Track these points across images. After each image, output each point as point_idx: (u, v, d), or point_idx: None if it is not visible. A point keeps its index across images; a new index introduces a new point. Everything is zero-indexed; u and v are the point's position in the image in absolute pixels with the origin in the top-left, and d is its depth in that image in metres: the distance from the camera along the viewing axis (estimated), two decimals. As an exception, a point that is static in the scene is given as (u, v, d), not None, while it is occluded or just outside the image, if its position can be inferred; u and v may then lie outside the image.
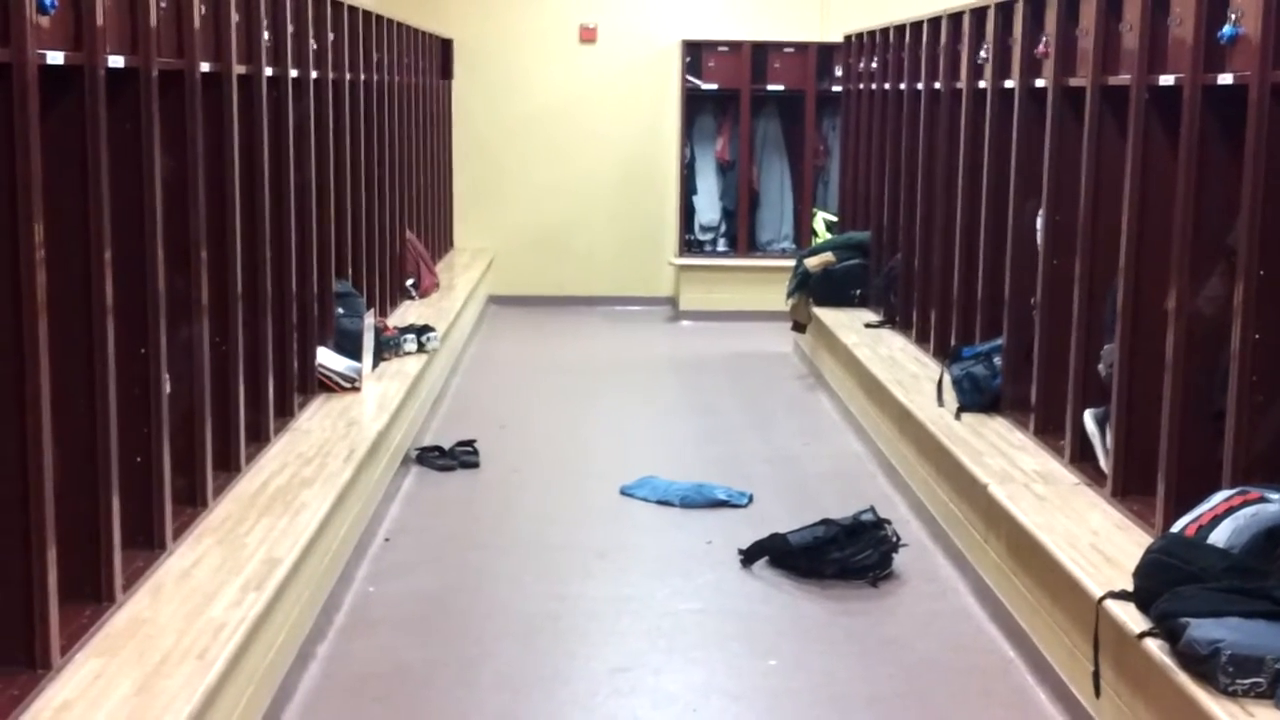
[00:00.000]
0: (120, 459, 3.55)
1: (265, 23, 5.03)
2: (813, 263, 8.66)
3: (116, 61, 3.56)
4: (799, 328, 8.79)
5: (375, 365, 6.43)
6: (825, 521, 5.04)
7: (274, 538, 4.06)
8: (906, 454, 5.95)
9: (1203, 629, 3.11)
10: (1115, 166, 4.58)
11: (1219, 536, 3.46)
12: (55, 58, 3.18)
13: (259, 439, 4.94)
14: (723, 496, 5.84)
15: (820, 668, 4.22)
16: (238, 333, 4.65)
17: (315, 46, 5.92)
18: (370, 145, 7.36)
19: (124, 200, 3.65)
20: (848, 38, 9.46)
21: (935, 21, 7.03)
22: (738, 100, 10.79)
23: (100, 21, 3.38)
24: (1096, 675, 3.58)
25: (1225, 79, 3.84)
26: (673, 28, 10.98)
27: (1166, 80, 4.20)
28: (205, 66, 4.32)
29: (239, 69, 4.68)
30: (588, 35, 11.11)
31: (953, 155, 6.71)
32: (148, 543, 3.81)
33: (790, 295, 8.76)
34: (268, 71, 5.07)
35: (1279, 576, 3.29)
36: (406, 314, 7.86)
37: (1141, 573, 3.51)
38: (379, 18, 7.71)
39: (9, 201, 2.98)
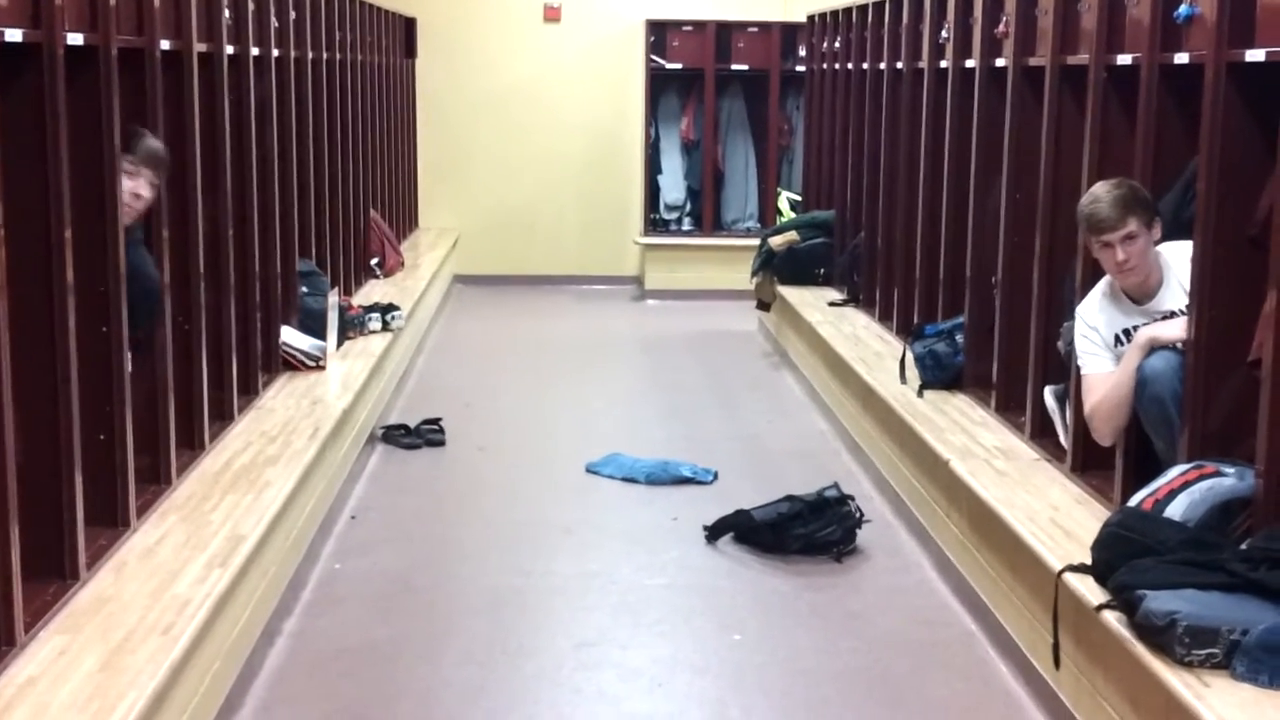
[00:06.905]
0: (83, 437, 3.54)
1: (226, 0, 5.00)
2: (777, 241, 8.69)
3: (76, 39, 3.54)
4: (763, 306, 8.82)
5: (340, 344, 6.42)
6: (789, 498, 5.07)
7: (238, 515, 4.06)
8: (870, 430, 5.99)
9: (1159, 601, 3.15)
10: (1074, 145, 4.61)
11: (1175, 510, 3.50)
12: (13, 35, 3.16)
13: (223, 417, 4.93)
14: (688, 473, 5.86)
15: (785, 642, 4.25)
16: (200, 311, 4.63)
17: (277, 25, 5.89)
18: (333, 124, 7.33)
19: (84, 179, 3.63)
20: (811, 17, 9.48)
21: (897, 1, 7.05)
22: (702, 80, 10.79)
23: (59, -1, 3.36)
24: (1056, 647, 3.62)
25: (1181, 58, 3.88)
26: (637, 7, 10.96)
27: (1124, 60, 4.24)
28: (165, 44, 4.29)
29: (199, 47, 4.65)
30: (552, 14, 11.08)
31: (915, 135, 6.74)
32: (111, 520, 3.80)
33: (755, 274, 8.79)
34: (229, 50, 5.04)
35: (1234, 549, 3.34)
36: (371, 293, 7.85)
37: (1099, 546, 3.55)
38: (341, -5, 7.67)
39: (-31, 179, 2.97)
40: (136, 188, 4.09)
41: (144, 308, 4.15)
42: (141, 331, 4.16)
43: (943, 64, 6.24)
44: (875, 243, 7.50)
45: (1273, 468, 3.32)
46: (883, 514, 5.38)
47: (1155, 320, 4.05)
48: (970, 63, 5.79)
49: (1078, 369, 4.27)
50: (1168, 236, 4.07)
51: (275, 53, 5.85)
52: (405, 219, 10.40)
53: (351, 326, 6.69)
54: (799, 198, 10.07)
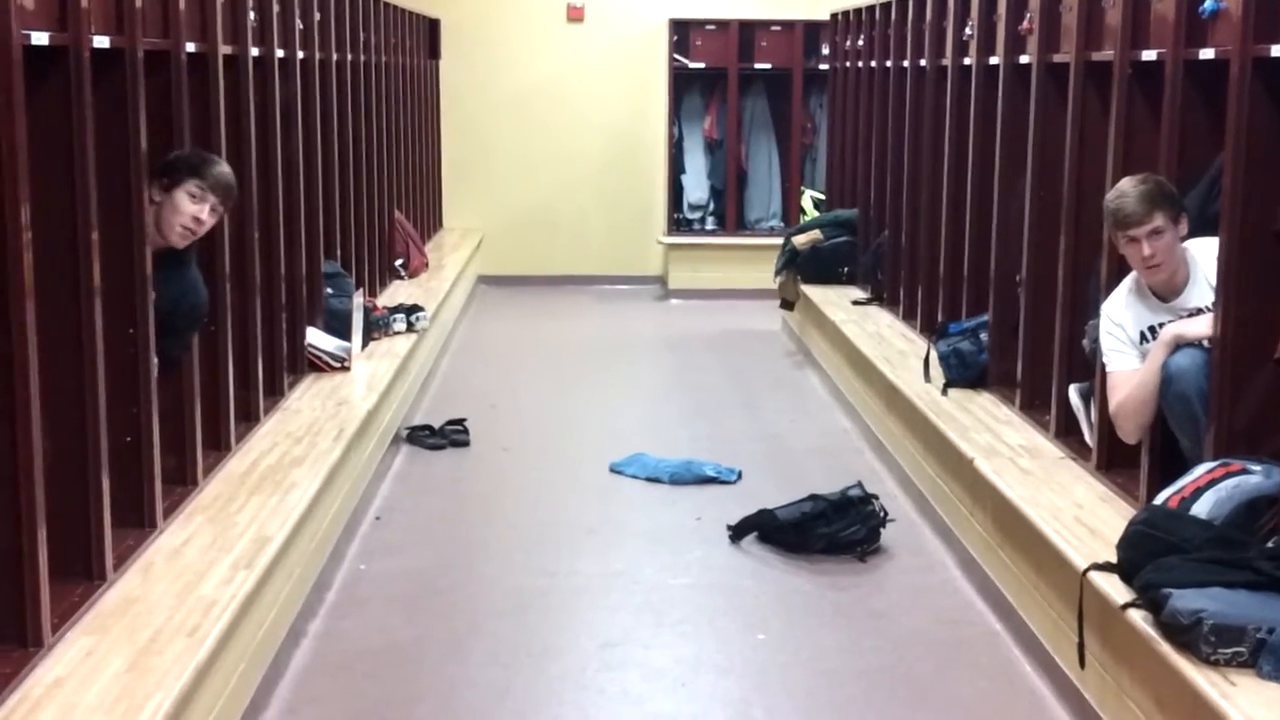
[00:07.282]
0: (110, 439, 3.56)
1: (251, 2, 5.02)
2: (800, 240, 8.67)
3: (102, 42, 3.56)
4: (787, 305, 8.82)
5: (365, 345, 6.44)
6: (813, 497, 5.06)
7: (264, 516, 4.08)
8: (893, 429, 5.98)
9: (1185, 599, 3.14)
10: (1099, 141, 4.60)
11: (1201, 508, 3.49)
12: (40, 38, 3.17)
13: (249, 418, 4.95)
14: (711, 473, 5.86)
15: (808, 642, 4.25)
16: (226, 313, 4.65)
17: (301, 26, 5.91)
18: (358, 125, 7.36)
19: (110, 182, 3.65)
20: (834, 15, 9.46)
21: (921, -2, 7.05)
22: (725, 79, 10.79)
23: (85, 2, 3.37)
24: (1081, 646, 3.61)
25: (1207, 54, 3.86)
26: (660, 6, 10.96)
27: (1149, 55, 4.23)
28: (191, 47, 4.31)
29: (225, 49, 4.67)
30: (575, 14, 11.09)
31: (939, 132, 6.72)
32: (138, 522, 3.82)
33: (778, 273, 8.78)
34: (254, 52, 5.06)
35: (1260, 547, 3.32)
36: (396, 294, 7.87)
37: (1125, 544, 3.54)
38: (365, -3, 7.70)
39: (-5, 183, 2.98)
40: (199, 212, 4.11)
41: (183, 326, 4.17)
42: (175, 350, 4.16)
43: (966, 61, 6.23)
44: (899, 241, 7.49)
45: (1299, 466, 3.31)
46: (907, 513, 5.37)
47: (1181, 317, 4.03)
48: (994, 59, 5.78)
49: (1103, 366, 4.26)
50: (1194, 233, 4.06)
51: (300, 55, 5.87)
52: (429, 220, 10.43)
53: (376, 327, 6.71)
54: (822, 196, 10.06)
